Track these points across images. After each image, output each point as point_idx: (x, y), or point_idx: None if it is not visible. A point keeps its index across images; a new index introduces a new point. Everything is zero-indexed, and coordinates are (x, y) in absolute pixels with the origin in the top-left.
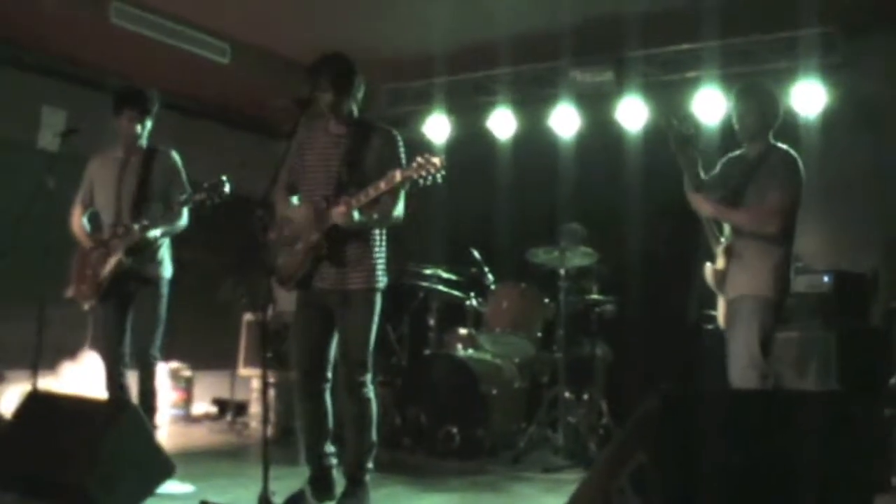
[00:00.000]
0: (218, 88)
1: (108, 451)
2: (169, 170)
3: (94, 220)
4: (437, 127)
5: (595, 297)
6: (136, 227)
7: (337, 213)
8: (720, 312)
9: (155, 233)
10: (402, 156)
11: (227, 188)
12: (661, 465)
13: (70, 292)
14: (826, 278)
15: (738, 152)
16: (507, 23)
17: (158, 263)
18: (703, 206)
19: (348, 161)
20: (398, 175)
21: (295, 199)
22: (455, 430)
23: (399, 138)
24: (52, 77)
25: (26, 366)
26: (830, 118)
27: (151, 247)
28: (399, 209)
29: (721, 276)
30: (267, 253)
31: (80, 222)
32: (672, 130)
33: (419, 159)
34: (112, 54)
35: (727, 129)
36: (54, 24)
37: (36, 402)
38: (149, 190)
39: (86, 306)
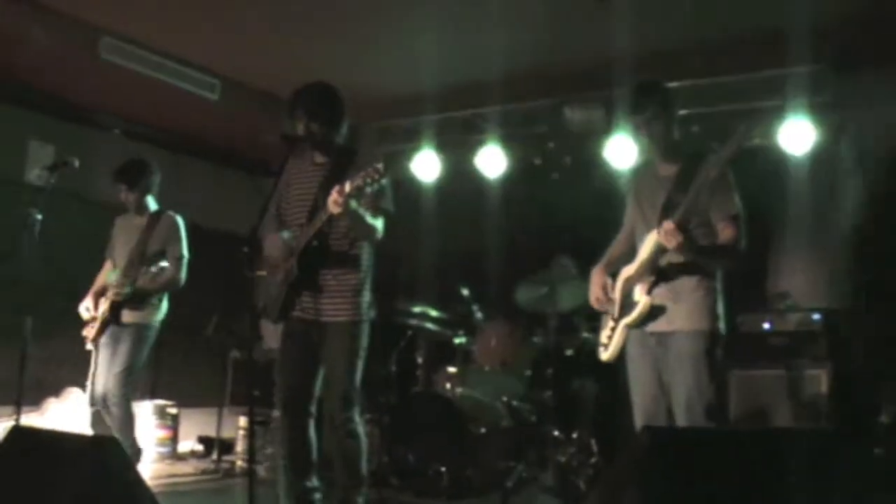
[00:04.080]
0: (207, 125)
1: (91, 486)
2: (168, 231)
3: None
4: (426, 165)
5: (584, 334)
6: (126, 286)
7: (332, 201)
8: (616, 342)
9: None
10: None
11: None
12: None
13: (84, 332)
14: (815, 316)
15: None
16: (497, 61)
17: (142, 310)
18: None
19: (324, 188)
20: (347, 185)
21: (285, 234)
22: (443, 469)
23: (380, 166)
24: (41, 111)
25: (10, 402)
26: (820, 156)
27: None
28: (380, 224)
29: (654, 310)
30: (252, 289)
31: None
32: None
33: (366, 169)
34: (102, 89)
35: None
36: (43, 58)
37: (19, 437)
38: (147, 250)
39: (88, 345)
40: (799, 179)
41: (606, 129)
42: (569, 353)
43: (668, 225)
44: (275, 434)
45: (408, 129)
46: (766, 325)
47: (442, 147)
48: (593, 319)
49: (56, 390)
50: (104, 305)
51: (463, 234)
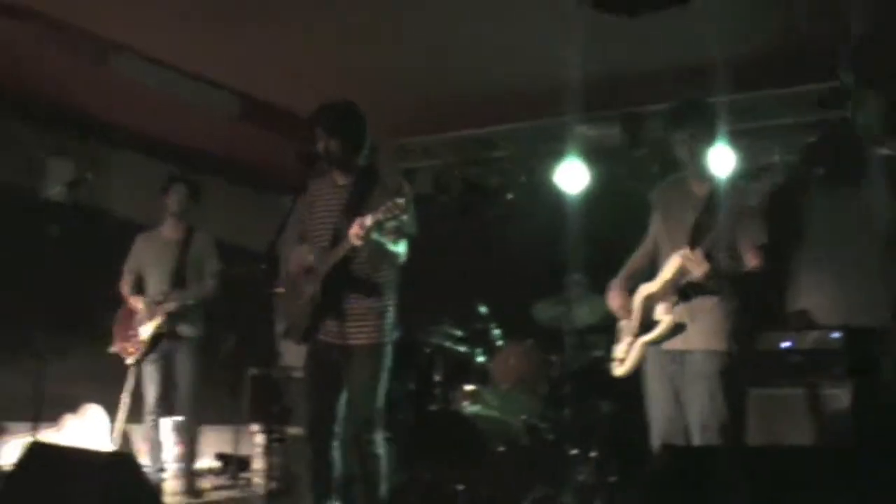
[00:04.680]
0: (225, 142)
1: (109, 502)
2: (204, 246)
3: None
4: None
5: (601, 353)
6: (182, 300)
7: (353, 234)
8: (632, 358)
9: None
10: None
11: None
12: None
13: (114, 348)
14: (836, 334)
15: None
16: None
17: (195, 324)
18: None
19: (347, 211)
20: (369, 219)
21: (306, 248)
22: (461, 487)
23: (406, 185)
24: (59, 128)
25: (28, 418)
26: (839, 171)
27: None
28: (402, 248)
29: (675, 328)
30: (270, 306)
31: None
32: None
33: (387, 203)
34: (119, 106)
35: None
36: (62, 74)
37: (37, 453)
38: (187, 264)
39: (129, 361)
40: (818, 195)
41: (626, 147)
42: (586, 371)
43: (697, 255)
44: (292, 452)
45: (426, 146)
46: (786, 344)
47: (458, 164)
48: (609, 336)
49: (73, 406)
50: (155, 322)
51: (480, 252)
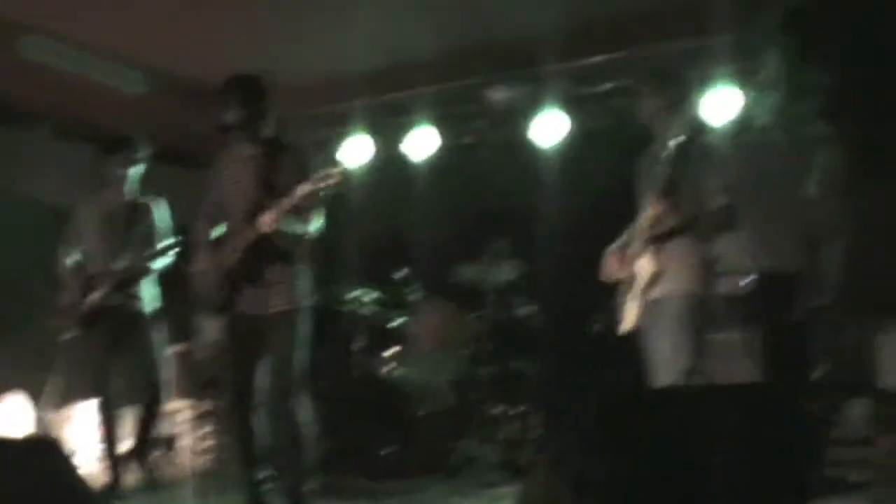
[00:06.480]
0: (135, 118)
1: (31, 490)
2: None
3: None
4: (355, 150)
5: (522, 310)
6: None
7: (264, 223)
8: (630, 313)
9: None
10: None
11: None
12: (601, 466)
13: (51, 322)
14: (748, 279)
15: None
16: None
17: (141, 300)
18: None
19: (260, 183)
20: (301, 188)
21: (218, 229)
22: (388, 450)
23: (308, 155)
24: None
25: None
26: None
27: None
28: (317, 224)
29: (653, 277)
30: (188, 283)
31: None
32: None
33: (321, 171)
34: (26, 88)
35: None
36: None
37: None
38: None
39: (66, 336)
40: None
41: (532, 107)
42: (506, 329)
43: (666, 202)
44: (217, 427)
45: (335, 116)
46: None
47: (372, 131)
48: (529, 295)
49: None
50: (93, 296)
51: (397, 216)
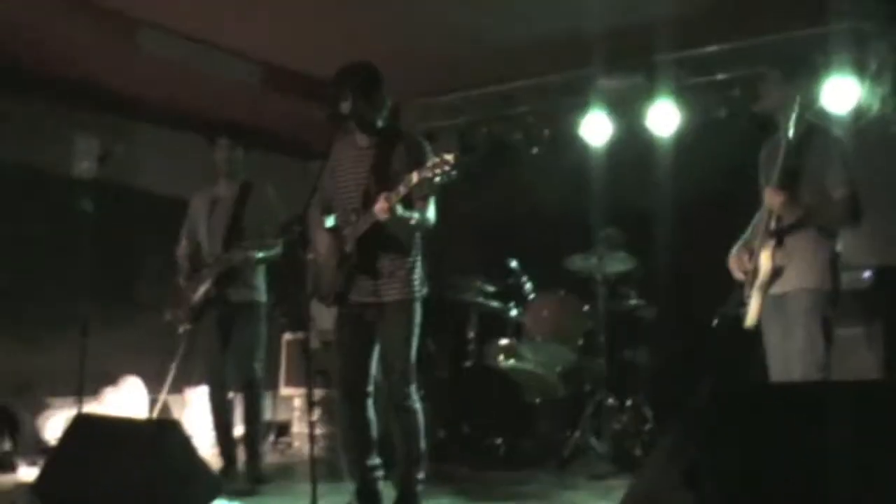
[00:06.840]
0: (249, 110)
1: (155, 470)
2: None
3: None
4: (468, 140)
5: (634, 302)
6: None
7: (379, 209)
8: (753, 308)
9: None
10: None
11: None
12: (716, 459)
13: (167, 316)
14: (866, 274)
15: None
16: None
17: (252, 289)
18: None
19: (375, 172)
20: (415, 176)
21: (330, 219)
22: (499, 440)
23: (425, 144)
24: (85, 104)
25: (70, 393)
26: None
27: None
28: (431, 213)
29: (775, 272)
30: (304, 271)
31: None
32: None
33: (434, 159)
34: (143, 80)
35: None
36: (84, 50)
37: (83, 425)
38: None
39: (180, 329)
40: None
41: (648, 96)
42: (619, 321)
43: (785, 194)
44: (330, 414)
45: (447, 105)
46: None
47: (482, 122)
48: (642, 286)
49: (113, 379)
50: (203, 286)
51: (509, 204)
